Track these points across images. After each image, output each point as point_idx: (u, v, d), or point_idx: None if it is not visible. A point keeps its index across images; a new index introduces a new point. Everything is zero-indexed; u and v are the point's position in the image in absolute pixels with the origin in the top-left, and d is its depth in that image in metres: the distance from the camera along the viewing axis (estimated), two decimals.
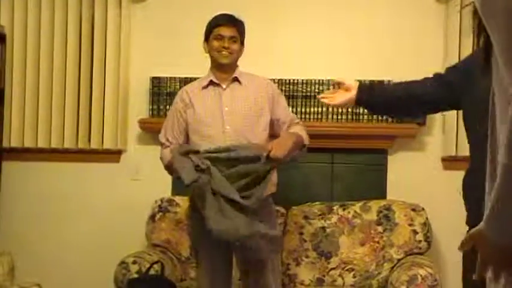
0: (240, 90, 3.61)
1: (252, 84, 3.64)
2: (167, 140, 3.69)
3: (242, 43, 3.66)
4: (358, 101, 2.93)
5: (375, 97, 2.90)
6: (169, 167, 3.61)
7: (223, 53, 3.57)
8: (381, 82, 4.48)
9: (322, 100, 3.09)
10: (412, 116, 2.96)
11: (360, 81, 3.00)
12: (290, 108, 4.52)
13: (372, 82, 2.92)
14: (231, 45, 3.58)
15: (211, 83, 3.64)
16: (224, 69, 3.62)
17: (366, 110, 4.47)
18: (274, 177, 3.66)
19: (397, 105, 2.86)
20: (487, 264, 1.54)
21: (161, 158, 3.72)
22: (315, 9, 4.69)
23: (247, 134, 3.52)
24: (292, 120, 3.71)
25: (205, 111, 3.57)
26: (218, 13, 3.66)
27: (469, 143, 2.53)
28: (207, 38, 3.65)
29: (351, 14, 4.66)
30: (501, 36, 1.41)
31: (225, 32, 3.57)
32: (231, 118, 3.53)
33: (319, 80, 4.55)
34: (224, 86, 3.62)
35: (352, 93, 2.94)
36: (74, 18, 4.80)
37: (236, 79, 3.63)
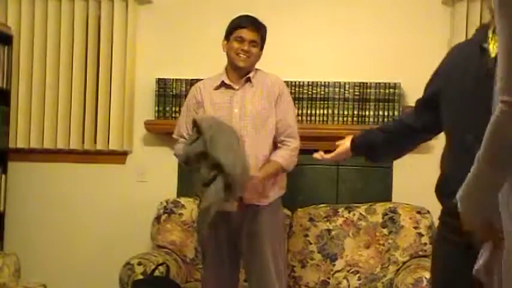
0: (251, 91, 3.60)
1: (261, 85, 3.62)
2: (181, 136, 3.68)
3: (262, 48, 3.64)
4: (354, 147, 2.86)
5: (370, 138, 2.83)
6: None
7: (241, 56, 3.56)
8: (387, 84, 4.48)
9: (315, 156, 3.00)
10: (415, 145, 2.88)
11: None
12: (296, 110, 4.55)
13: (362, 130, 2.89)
14: (251, 49, 3.56)
15: (223, 83, 3.62)
16: (239, 72, 3.61)
17: (371, 113, 4.50)
18: (283, 180, 3.68)
19: (394, 139, 2.76)
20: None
21: (175, 155, 3.72)
22: (320, 12, 4.69)
23: (254, 136, 3.52)
24: (290, 134, 3.63)
25: (215, 113, 3.55)
26: (240, 14, 3.65)
27: (450, 148, 2.40)
28: (227, 37, 3.62)
29: (357, 16, 4.65)
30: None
31: (246, 35, 3.55)
32: (240, 120, 3.53)
33: (325, 82, 4.54)
34: (237, 87, 3.61)
35: (346, 144, 2.88)
36: (81, 19, 4.81)
37: (249, 80, 3.61)
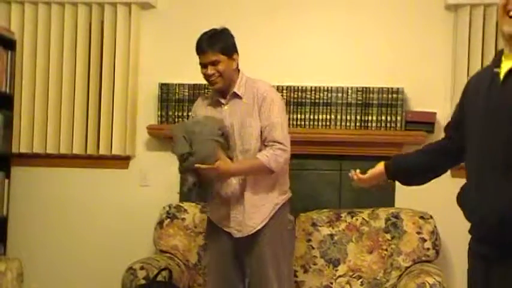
0: (238, 104, 3.56)
1: (247, 95, 3.56)
2: None
3: (229, 56, 3.52)
4: (392, 172, 2.82)
5: (407, 162, 2.82)
6: None
7: (211, 79, 3.52)
8: (390, 89, 4.48)
9: (350, 175, 2.94)
10: (448, 168, 2.84)
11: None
12: (298, 115, 4.53)
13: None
14: (216, 69, 3.49)
15: (213, 100, 3.65)
16: (221, 92, 3.59)
17: (374, 118, 4.50)
18: (285, 183, 3.67)
19: (430, 163, 2.75)
20: None
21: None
22: (323, 17, 4.69)
23: (242, 147, 3.53)
24: (275, 140, 3.52)
25: None
26: (201, 34, 3.60)
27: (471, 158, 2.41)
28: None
29: (360, 21, 4.65)
30: None
31: (204, 60, 3.52)
32: (230, 133, 3.53)
33: (327, 87, 4.54)
34: (224, 102, 3.60)
35: (380, 167, 2.85)
36: (84, 24, 4.82)
37: (235, 94, 3.57)
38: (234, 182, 3.55)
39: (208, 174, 3.43)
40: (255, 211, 3.55)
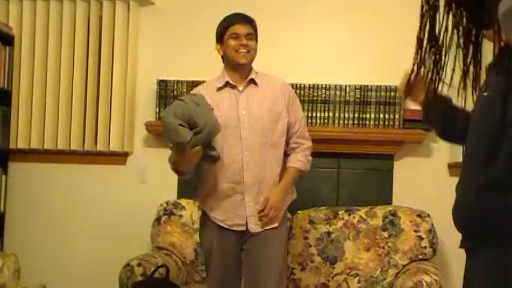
0: (257, 92, 3.49)
1: (268, 86, 3.51)
2: None
3: (257, 41, 3.53)
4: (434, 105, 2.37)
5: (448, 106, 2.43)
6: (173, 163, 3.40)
7: (242, 51, 3.44)
8: (388, 87, 4.48)
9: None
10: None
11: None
12: None
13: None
14: (249, 43, 3.45)
15: (227, 84, 3.50)
16: (241, 70, 3.49)
17: (372, 115, 4.50)
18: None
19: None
20: None
21: (169, 160, 3.55)
22: (322, 14, 4.69)
23: (264, 140, 3.43)
24: (303, 136, 3.58)
25: (221, 115, 3.38)
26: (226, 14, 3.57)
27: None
28: (220, 39, 3.51)
29: (359, 18, 4.65)
30: None
31: (241, 30, 3.44)
32: (248, 123, 3.42)
33: (326, 85, 4.55)
34: (241, 88, 3.49)
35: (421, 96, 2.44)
36: (82, 20, 4.82)
37: (253, 81, 3.51)
38: (251, 174, 3.43)
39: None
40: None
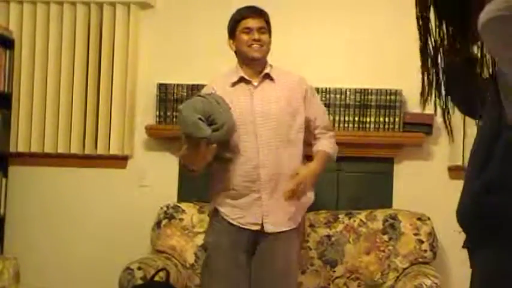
0: (272, 88, 3.41)
1: (284, 81, 3.44)
2: None
3: (270, 34, 3.45)
4: None
5: None
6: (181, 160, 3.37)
7: (254, 46, 3.35)
8: (388, 91, 4.49)
9: None
10: None
11: None
12: None
13: None
14: (262, 37, 3.37)
15: (241, 79, 3.40)
16: (255, 65, 3.41)
17: (372, 119, 4.50)
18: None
19: None
20: None
21: (180, 155, 3.45)
22: (321, 18, 4.69)
23: (281, 137, 3.35)
24: (326, 127, 3.52)
25: (236, 111, 3.29)
26: (239, 7, 3.48)
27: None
28: (232, 34, 3.42)
29: (358, 22, 4.65)
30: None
31: (253, 24, 3.36)
32: (264, 119, 3.33)
33: (326, 89, 4.54)
34: (256, 84, 3.40)
35: None
36: (82, 23, 4.82)
37: (268, 76, 3.43)
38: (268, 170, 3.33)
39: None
40: (293, 205, 3.36)
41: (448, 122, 1.98)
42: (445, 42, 1.74)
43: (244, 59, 3.42)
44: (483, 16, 1.47)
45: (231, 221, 3.35)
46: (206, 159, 3.18)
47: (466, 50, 1.73)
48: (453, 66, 1.87)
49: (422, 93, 1.89)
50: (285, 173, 3.33)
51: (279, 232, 3.35)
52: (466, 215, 1.77)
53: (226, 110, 3.21)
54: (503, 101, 1.61)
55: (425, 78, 1.83)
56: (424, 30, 1.76)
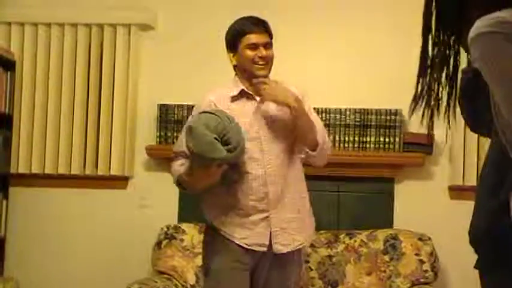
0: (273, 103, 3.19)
1: None
2: (181, 153, 3.20)
3: (272, 47, 3.27)
4: None
5: None
6: (182, 178, 3.15)
7: (260, 63, 3.17)
8: (388, 111, 4.50)
9: None
10: None
11: None
12: None
13: None
14: (267, 52, 3.19)
15: (243, 93, 3.20)
16: (246, 86, 3.21)
17: (372, 139, 4.50)
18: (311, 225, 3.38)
19: None
20: None
21: (172, 172, 3.26)
22: (321, 39, 4.71)
23: (287, 153, 3.21)
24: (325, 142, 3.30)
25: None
26: (240, 17, 3.28)
27: None
28: (233, 47, 3.21)
29: (358, 42, 4.67)
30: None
31: (258, 40, 3.16)
32: (270, 136, 3.18)
33: (326, 109, 4.55)
34: (258, 99, 3.20)
35: None
36: (83, 45, 4.84)
37: None
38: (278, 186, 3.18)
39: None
40: (301, 224, 3.24)
41: (430, 128, 1.93)
42: (447, 52, 1.75)
43: (247, 75, 3.22)
44: (473, 31, 1.51)
45: (236, 241, 3.15)
46: (213, 180, 3.05)
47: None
48: (465, 79, 1.89)
49: (413, 100, 1.88)
50: (292, 191, 3.21)
51: (284, 253, 3.20)
52: (480, 236, 1.77)
53: (238, 129, 3.03)
54: (495, 122, 1.62)
55: (419, 86, 1.83)
56: (425, 38, 1.77)
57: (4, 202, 4.77)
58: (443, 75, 1.78)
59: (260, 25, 3.22)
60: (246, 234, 3.15)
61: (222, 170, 3.03)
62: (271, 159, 3.16)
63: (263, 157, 3.15)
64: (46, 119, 4.84)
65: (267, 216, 3.16)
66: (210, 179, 3.05)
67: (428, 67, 1.76)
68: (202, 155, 2.96)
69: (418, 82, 1.82)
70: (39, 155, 4.83)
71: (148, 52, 4.88)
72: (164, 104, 4.70)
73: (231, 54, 3.24)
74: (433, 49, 1.75)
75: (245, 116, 3.17)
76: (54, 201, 4.89)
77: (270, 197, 3.15)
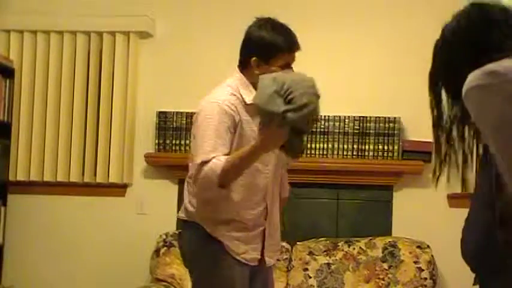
0: None
1: None
2: (215, 149, 2.76)
3: None
4: None
5: None
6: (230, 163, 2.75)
7: None
8: (387, 119, 4.50)
9: None
10: None
11: None
12: None
13: None
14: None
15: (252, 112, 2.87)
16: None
17: (371, 147, 4.51)
18: None
19: None
20: None
21: (208, 178, 2.75)
22: (319, 46, 4.71)
23: (281, 162, 3.07)
24: None
25: (251, 135, 2.86)
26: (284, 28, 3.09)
27: None
28: (265, 58, 2.92)
29: (357, 50, 4.68)
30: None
31: (292, 60, 2.99)
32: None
33: (324, 116, 4.55)
34: None
35: None
36: (82, 52, 4.85)
37: None
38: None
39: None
40: (279, 234, 3.14)
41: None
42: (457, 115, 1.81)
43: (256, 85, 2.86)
44: (464, 87, 1.59)
45: (236, 256, 2.94)
46: (277, 142, 2.74)
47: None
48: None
49: (434, 171, 1.95)
50: (276, 201, 3.08)
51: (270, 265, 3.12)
52: (475, 253, 1.76)
53: (311, 91, 2.80)
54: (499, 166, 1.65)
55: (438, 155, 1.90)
56: (436, 106, 1.84)
57: (3, 209, 4.76)
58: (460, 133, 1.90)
59: (297, 41, 3.00)
60: (244, 249, 2.96)
61: (284, 134, 2.71)
62: (270, 170, 3.00)
63: (264, 169, 2.96)
64: (45, 126, 4.84)
65: (263, 230, 3.01)
66: (273, 141, 2.73)
67: (443, 125, 1.83)
68: (259, 106, 2.71)
69: (436, 140, 1.88)
70: (38, 162, 4.83)
71: (147, 59, 4.89)
72: (163, 112, 4.70)
73: (261, 62, 2.93)
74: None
75: (255, 124, 2.87)
76: (52, 208, 4.88)
77: (268, 210, 3.01)
